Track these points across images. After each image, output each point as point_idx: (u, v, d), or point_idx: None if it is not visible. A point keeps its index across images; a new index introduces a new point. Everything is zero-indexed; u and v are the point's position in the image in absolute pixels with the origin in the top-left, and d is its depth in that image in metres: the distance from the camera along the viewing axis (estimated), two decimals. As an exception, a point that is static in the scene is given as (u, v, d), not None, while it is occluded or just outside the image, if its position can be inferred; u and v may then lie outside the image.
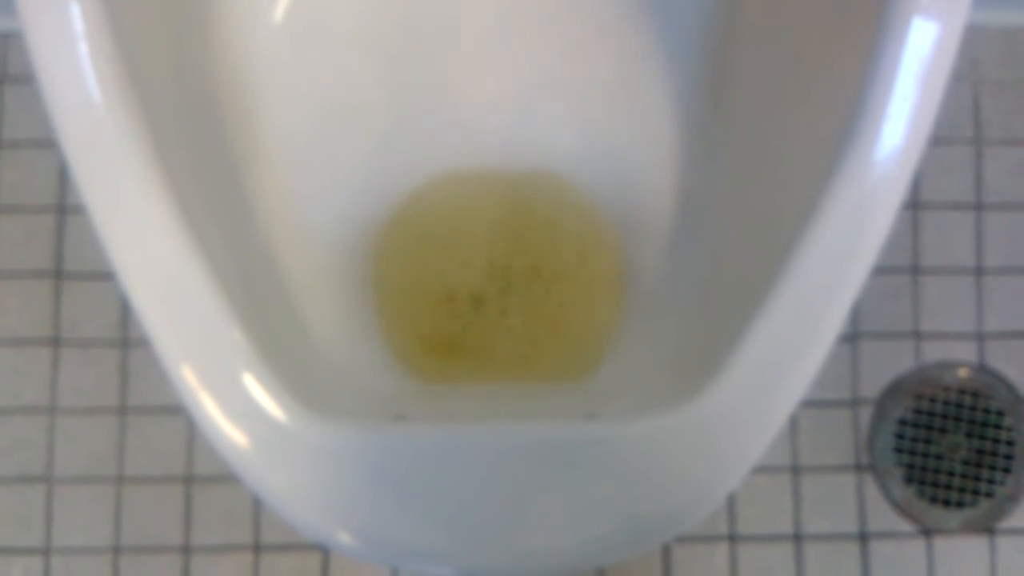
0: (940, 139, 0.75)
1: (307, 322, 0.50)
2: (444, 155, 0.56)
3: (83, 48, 0.39)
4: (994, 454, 0.73)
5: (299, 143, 0.54)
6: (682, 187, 0.54)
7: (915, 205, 0.75)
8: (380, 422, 0.42)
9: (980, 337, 0.75)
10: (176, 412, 0.71)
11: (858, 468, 0.73)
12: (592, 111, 0.57)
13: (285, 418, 0.38)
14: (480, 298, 0.56)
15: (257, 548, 0.71)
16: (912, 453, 0.73)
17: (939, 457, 0.73)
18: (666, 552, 0.71)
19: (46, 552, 0.71)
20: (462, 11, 0.57)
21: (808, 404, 0.38)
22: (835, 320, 0.38)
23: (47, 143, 0.74)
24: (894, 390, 0.74)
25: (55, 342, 0.73)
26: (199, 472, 0.71)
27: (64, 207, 0.74)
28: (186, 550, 0.71)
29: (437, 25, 0.57)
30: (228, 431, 0.37)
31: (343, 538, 0.39)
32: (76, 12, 0.39)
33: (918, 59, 0.39)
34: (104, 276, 0.73)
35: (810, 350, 0.38)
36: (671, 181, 0.54)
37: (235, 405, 0.38)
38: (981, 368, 0.74)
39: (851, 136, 0.38)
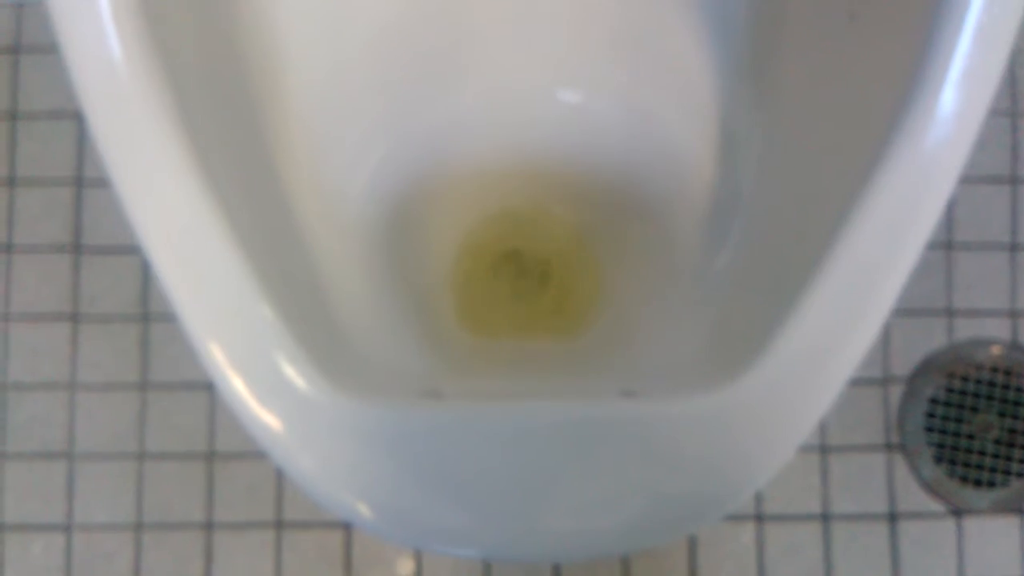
0: (975, 111, 0.73)
1: (335, 298, 0.49)
2: (473, 123, 0.55)
3: (104, 2, 0.37)
4: (1027, 433, 0.72)
5: (324, 109, 0.53)
6: (723, 160, 0.53)
7: (949, 179, 0.74)
8: (411, 400, 0.41)
9: (1014, 314, 0.73)
10: (197, 388, 0.71)
11: (888, 447, 0.72)
12: (625, 81, 0.55)
13: (315, 396, 0.37)
14: (511, 266, 0.56)
15: (279, 525, 0.70)
16: (943, 432, 0.72)
17: (970, 436, 0.72)
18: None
19: (67, 528, 0.70)
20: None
21: (839, 382, 0.37)
22: (888, 296, 0.37)
23: (64, 114, 0.73)
24: (925, 368, 0.72)
25: (74, 317, 0.72)
26: (221, 449, 0.71)
27: (82, 179, 0.73)
28: (208, 527, 0.70)
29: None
30: (257, 410, 0.37)
31: (370, 518, 0.38)
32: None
33: (982, 17, 0.37)
34: (123, 250, 0.72)
35: (861, 328, 0.37)
36: (711, 153, 0.53)
37: (265, 383, 0.37)
38: (1014, 346, 0.73)
39: (910, 100, 0.37)
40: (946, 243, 0.73)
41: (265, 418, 0.37)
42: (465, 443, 0.38)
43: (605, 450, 0.38)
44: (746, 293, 0.47)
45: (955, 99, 0.37)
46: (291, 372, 0.37)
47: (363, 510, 0.38)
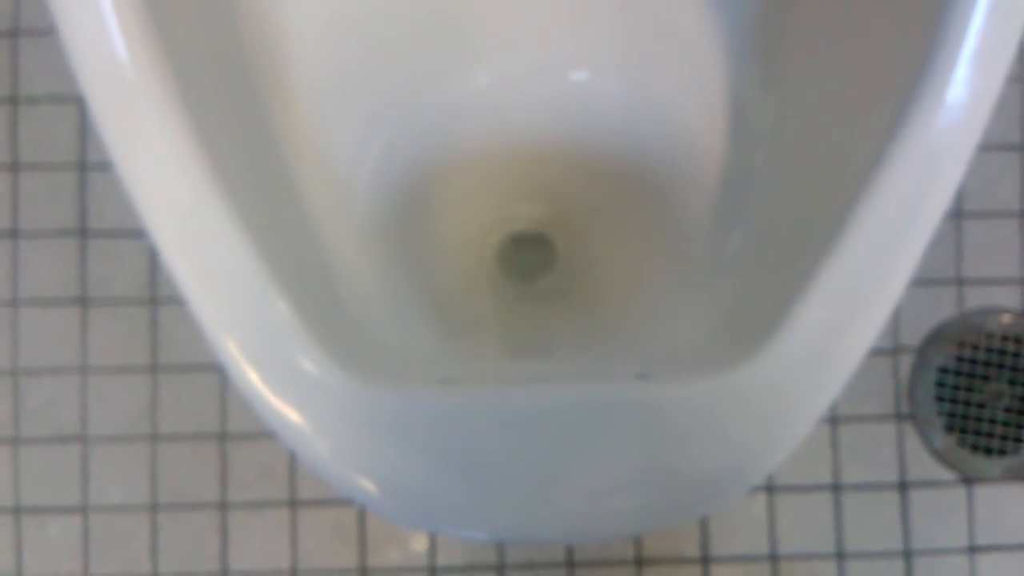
0: (985, 77, 0.72)
1: (346, 285, 0.48)
2: (481, 105, 0.55)
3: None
4: (1036, 401, 0.72)
5: (329, 92, 0.52)
6: (734, 138, 0.52)
7: (959, 147, 0.73)
8: (425, 386, 0.41)
9: (1024, 282, 0.73)
10: (208, 369, 0.71)
11: (898, 417, 0.72)
12: (634, 61, 0.55)
13: (331, 385, 0.37)
14: (521, 248, 0.56)
15: (293, 504, 0.71)
16: (953, 401, 0.72)
17: (981, 405, 0.72)
18: (702, 503, 0.71)
19: (83, 510, 0.71)
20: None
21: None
22: (901, 274, 0.37)
23: (65, 98, 0.72)
24: (936, 337, 0.72)
25: (83, 301, 0.72)
26: (233, 429, 0.71)
27: (85, 163, 0.73)
28: (223, 506, 0.71)
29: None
30: (274, 401, 0.37)
31: (387, 503, 0.38)
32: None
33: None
34: (130, 233, 0.72)
35: (874, 308, 0.37)
36: (722, 132, 0.52)
37: (280, 374, 0.37)
38: (1025, 314, 0.73)
39: (923, 76, 0.36)
40: (955, 212, 0.73)
41: (282, 409, 0.37)
42: (479, 427, 0.38)
43: (619, 432, 0.38)
44: (759, 272, 0.46)
45: (969, 76, 0.37)
46: (306, 362, 0.37)
47: (380, 496, 0.38)
